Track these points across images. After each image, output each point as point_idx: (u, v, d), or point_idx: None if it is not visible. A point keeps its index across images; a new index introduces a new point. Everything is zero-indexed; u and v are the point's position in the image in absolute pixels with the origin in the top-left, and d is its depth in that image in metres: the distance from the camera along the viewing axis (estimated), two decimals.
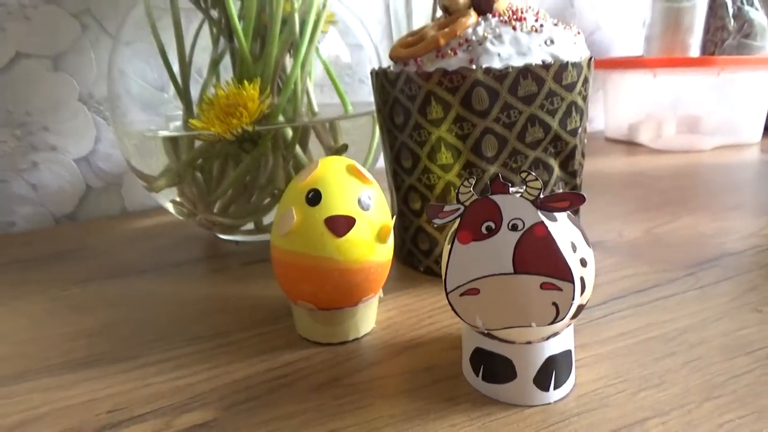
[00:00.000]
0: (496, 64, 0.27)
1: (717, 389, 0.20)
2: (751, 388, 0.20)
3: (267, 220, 0.37)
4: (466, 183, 0.18)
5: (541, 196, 0.18)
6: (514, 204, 0.18)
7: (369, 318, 0.25)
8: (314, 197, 0.23)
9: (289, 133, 0.34)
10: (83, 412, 0.21)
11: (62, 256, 0.38)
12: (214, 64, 0.35)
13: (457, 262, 0.18)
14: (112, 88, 0.36)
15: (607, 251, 0.33)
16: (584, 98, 0.29)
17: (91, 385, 0.23)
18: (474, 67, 0.27)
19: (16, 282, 0.34)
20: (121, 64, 0.36)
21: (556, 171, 0.29)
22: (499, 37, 0.27)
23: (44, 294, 0.32)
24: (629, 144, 0.62)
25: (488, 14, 0.29)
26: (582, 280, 0.18)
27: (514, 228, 0.18)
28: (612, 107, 0.63)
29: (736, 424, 0.18)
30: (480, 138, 0.27)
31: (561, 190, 0.29)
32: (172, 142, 0.34)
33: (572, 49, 0.28)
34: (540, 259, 0.17)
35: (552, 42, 0.28)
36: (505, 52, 0.27)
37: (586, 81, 0.28)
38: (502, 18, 0.28)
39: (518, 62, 0.27)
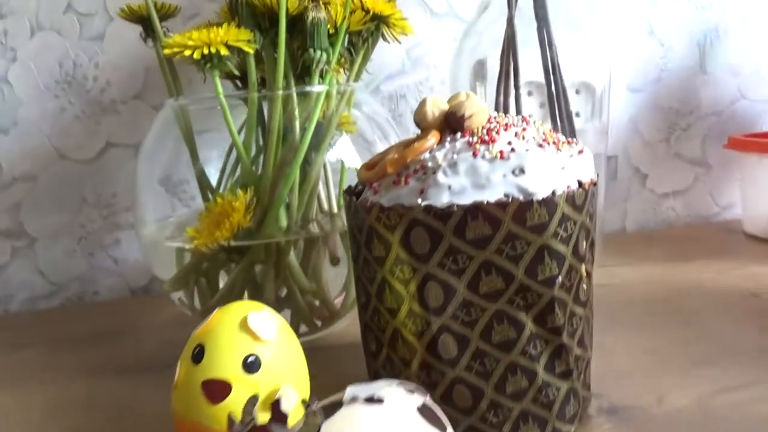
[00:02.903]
0: (446, 199, 0.23)
1: None
2: None
3: None
4: (248, 405, 0.15)
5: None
6: None
7: None
8: (198, 354, 0.21)
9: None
10: None
11: (100, 337, 0.41)
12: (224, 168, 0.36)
13: None
14: (135, 190, 0.38)
15: (629, 427, 0.26)
16: (565, 240, 0.23)
17: None
18: (413, 203, 0.23)
19: (45, 363, 0.37)
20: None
21: (530, 326, 0.23)
22: (453, 165, 0.23)
23: (53, 383, 0.34)
24: None
25: (458, 134, 0.25)
26: None
27: None
28: (751, 195, 0.51)
29: None
30: (422, 285, 0.23)
31: (538, 350, 0.24)
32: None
33: (554, 178, 0.23)
34: None
35: (521, 171, 0.23)
36: (457, 184, 0.23)
37: (565, 219, 0.23)
38: (470, 139, 0.24)
39: (474, 196, 0.23)
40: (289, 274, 0.33)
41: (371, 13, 0.33)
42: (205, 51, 0.29)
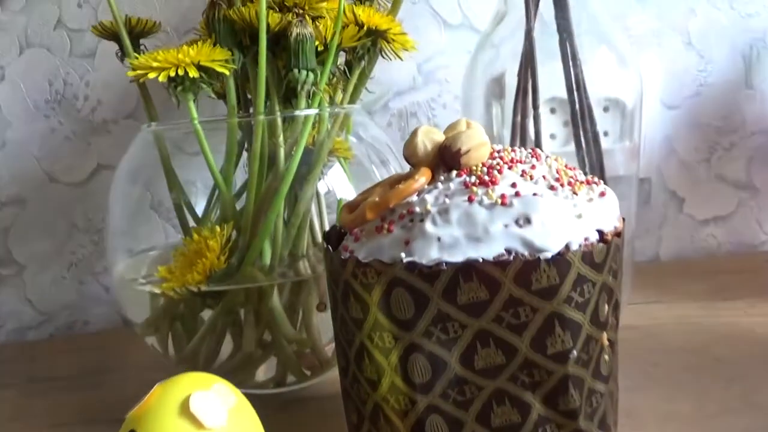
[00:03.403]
0: (434, 254, 0.19)
1: None
2: None
3: (260, 374, 0.32)
4: None
5: None
6: None
7: None
8: None
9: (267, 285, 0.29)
10: None
11: (81, 377, 0.38)
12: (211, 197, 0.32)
13: None
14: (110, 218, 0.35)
15: None
16: (582, 306, 0.19)
17: None
18: (395, 257, 0.19)
19: (17, 408, 0.35)
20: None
21: (538, 408, 0.19)
22: (445, 211, 0.19)
23: None
24: None
25: (454, 172, 0.21)
26: None
27: None
28: None
29: None
30: (405, 356, 0.19)
31: None
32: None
33: (568, 229, 0.19)
34: None
35: (527, 221, 0.19)
36: (448, 235, 0.19)
37: (581, 281, 0.19)
38: (467, 179, 0.20)
39: (468, 251, 0.19)
40: (272, 321, 0.29)
41: (366, 27, 0.29)
42: (172, 73, 0.25)
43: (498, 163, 0.21)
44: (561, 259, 0.18)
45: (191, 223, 0.32)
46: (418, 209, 0.20)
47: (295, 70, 0.28)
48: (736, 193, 0.52)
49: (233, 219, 0.29)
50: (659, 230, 0.52)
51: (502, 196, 0.19)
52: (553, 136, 0.42)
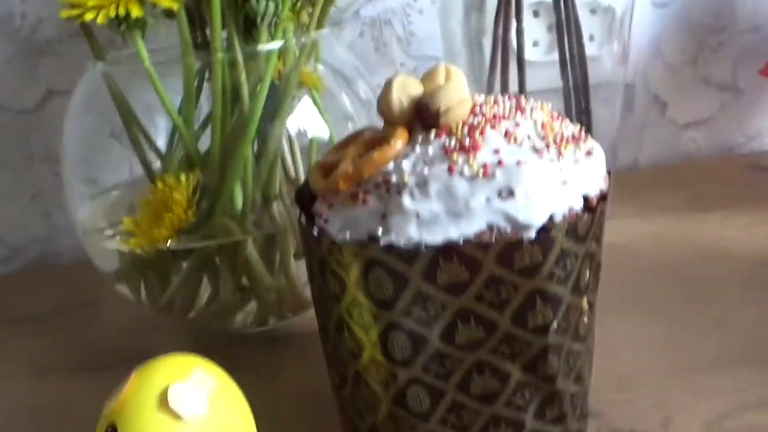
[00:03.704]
0: (413, 231, 0.18)
1: None
2: None
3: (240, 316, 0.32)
4: None
5: None
6: None
7: None
8: None
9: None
10: None
11: (58, 317, 0.38)
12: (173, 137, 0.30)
13: None
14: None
15: None
16: (563, 280, 0.18)
17: None
18: (372, 230, 0.18)
19: (3, 350, 0.34)
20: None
21: (517, 375, 0.19)
22: (423, 184, 0.18)
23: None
24: None
25: (432, 132, 0.19)
26: None
27: None
28: None
29: None
30: (384, 334, 0.19)
31: (527, 399, 0.20)
32: None
33: (552, 199, 0.18)
34: None
35: (510, 193, 0.18)
36: (427, 210, 0.18)
37: (564, 256, 0.18)
38: (447, 141, 0.19)
39: (449, 227, 0.18)
40: (249, 269, 0.29)
41: None
42: (112, 13, 0.22)
43: (480, 121, 0.19)
44: (545, 238, 0.17)
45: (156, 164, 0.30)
46: (394, 179, 0.19)
47: (254, 0, 0.25)
48: (720, 95, 0.50)
49: (198, 162, 0.28)
50: (640, 136, 0.51)
51: (484, 167, 0.18)
52: (536, 44, 0.40)
